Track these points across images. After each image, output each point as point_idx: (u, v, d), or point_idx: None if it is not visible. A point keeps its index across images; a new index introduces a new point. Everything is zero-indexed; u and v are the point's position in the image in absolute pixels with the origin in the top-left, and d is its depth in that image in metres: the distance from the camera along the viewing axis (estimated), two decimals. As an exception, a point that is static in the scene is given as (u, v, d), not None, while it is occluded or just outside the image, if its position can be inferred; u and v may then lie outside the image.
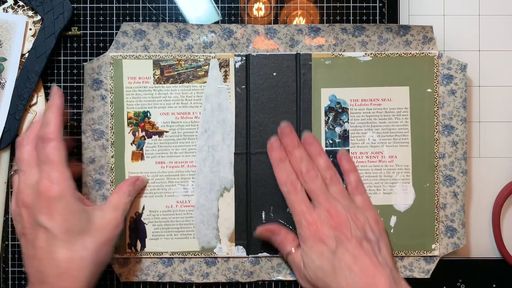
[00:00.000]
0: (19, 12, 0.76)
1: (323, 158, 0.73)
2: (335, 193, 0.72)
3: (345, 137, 0.75)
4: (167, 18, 0.77)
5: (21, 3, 0.75)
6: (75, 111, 0.77)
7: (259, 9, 0.78)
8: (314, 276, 0.68)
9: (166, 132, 0.75)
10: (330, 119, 0.75)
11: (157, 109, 0.75)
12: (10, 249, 0.78)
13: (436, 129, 0.75)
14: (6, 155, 0.77)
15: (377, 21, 0.77)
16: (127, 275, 0.76)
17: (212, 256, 0.76)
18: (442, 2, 0.78)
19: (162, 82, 0.75)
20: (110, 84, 0.75)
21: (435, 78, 0.75)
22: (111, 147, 0.75)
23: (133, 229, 0.76)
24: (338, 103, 0.75)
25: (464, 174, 0.75)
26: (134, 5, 0.77)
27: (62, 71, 0.77)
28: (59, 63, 0.77)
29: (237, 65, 0.75)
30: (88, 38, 0.77)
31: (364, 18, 0.78)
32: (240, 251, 0.76)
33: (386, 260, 0.68)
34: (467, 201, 0.79)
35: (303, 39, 0.75)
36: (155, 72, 0.75)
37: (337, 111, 0.75)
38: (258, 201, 0.75)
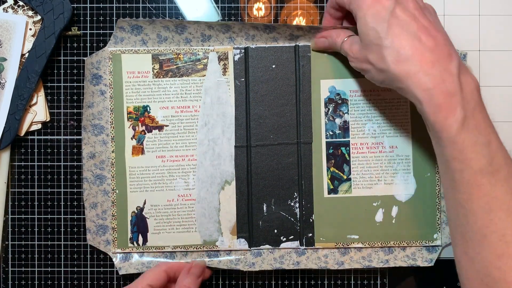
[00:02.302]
0: (19, 12, 0.76)
1: None
2: None
3: (345, 128, 0.75)
4: (167, 18, 0.77)
5: (21, 3, 0.76)
6: (75, 111, 0.78)
7: (259, 9, 0.78)
8: (367, 40, 0.63)
9: (166, 126, 0.75)
10: (330, 110, 0.75)
11: (156, 103, 0.75)
12: (10, 249, 0.77)
13: (436, 118, 0.75)
14: (6, 155, 0.77)
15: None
16: (127, 270, 0.75)
17: (214, 249, 0.75)
18: (442, 2, 0.79)
19: (161, 76, 0.75)
20: (109, 79, 0.75)
21: (433, 68, 0.75)
22: (112, 142, 0.75)
23: (135, 224, 0.75)
24: (338, 94, 0.75)
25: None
26: (134, 5, 0.78)
27: (62, 71, 0.78)
28: (59, 63, 0.78)
29: (236, 58, 0.75)
30: (88, 38, 0.78)
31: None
32: (242, 243, 0.75)
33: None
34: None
35: (303, 34, 0.75)
36: (154, 66, 0.75)
37: (337, 102, 0.75)
38: (259, 193, 0.75)
